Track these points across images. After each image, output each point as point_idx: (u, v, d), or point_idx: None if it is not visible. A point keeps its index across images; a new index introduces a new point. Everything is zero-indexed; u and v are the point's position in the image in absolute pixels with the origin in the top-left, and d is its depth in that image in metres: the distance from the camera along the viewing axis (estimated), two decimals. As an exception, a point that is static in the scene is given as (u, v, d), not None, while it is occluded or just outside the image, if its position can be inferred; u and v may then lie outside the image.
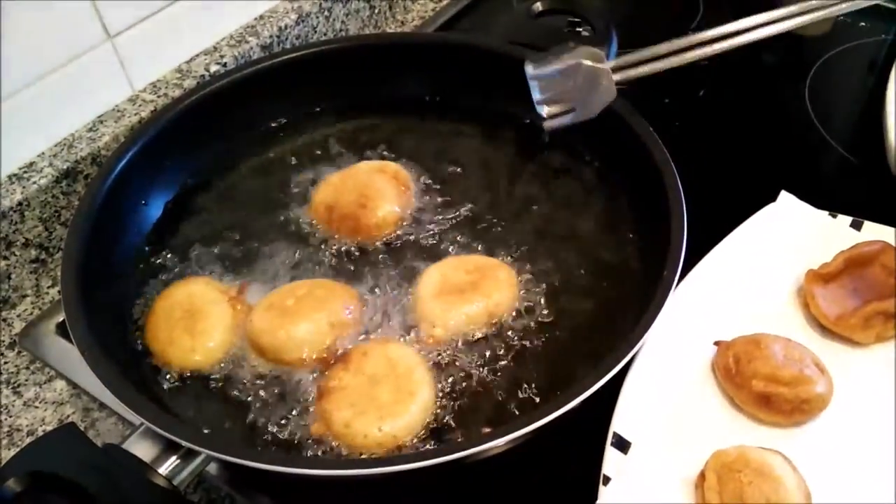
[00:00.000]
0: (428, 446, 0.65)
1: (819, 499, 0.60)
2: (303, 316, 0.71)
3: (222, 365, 0.71)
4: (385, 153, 0.90)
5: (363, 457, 0.65)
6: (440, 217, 0.83)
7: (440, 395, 0.68)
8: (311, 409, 0.68)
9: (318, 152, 0.91)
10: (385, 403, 0.66)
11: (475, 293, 0.73)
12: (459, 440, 0.65)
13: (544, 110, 0.84)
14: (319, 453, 0.65)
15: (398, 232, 0.81)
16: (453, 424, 0.67)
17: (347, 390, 0.67)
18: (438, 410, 0.68)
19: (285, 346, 0.70)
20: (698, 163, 0.80)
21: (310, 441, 0.66)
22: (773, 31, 0.77)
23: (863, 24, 1.11)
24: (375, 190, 0.81)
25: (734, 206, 0.81)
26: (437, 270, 0.76)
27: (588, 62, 0.79)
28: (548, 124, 0.84)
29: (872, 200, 0.84)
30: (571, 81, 0.80)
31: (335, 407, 0.66)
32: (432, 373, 0.69)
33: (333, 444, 0.66)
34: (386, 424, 0.65)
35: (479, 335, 0.73)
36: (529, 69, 0.83)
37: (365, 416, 0.65)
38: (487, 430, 0.65)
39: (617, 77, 0.79)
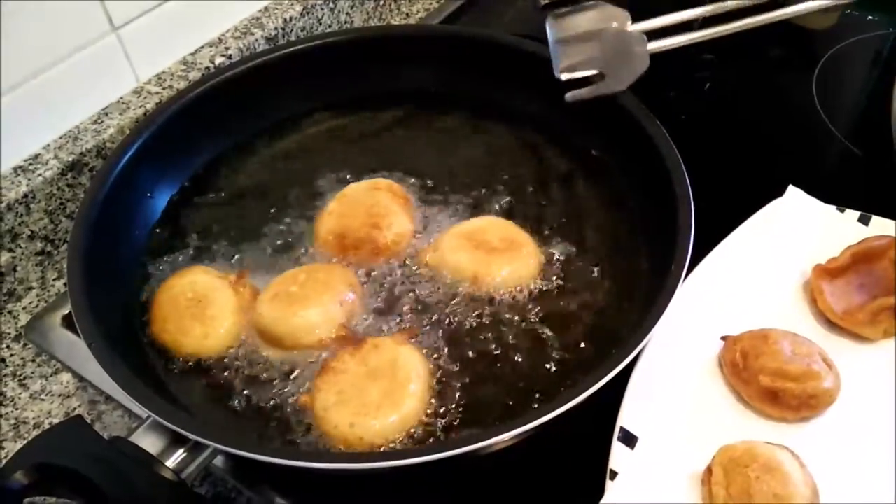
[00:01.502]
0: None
1: (826, 494, 0.60)
2: (312, 300, 0.72)
3: (232, 349, 0.72)
4: (385, 153, 0.89)
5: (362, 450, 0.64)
6: (442, 218, 0.82)
7: (433, 405, 0.67)
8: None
9: (323, 144, 0.91)
10: (369, 402, 0.65)
11: (483, 257, 0.74)
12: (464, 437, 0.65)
13: (564, 76, 0.76)
14: (294, 436, 0.66)
15: (411, 245, 0.79)
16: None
17: (344, 375, 0.67)
18: (425, 422, 0.66)
19: (301, 330, 0.71)
20: (705, 157, 0.80)
21: (297, 422, 0.67)
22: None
23: (871, 17, 1.10)
24: (383, 207, 0.79)
25: (741, 200, 0.80)
26: (483, 220, 0.79)
27: (618, 26, 0.72)
28: (571, 95, 0.78)
29: (879, 194, 0.84)
30: (599, 47, 0.74)
31: (325, 387, 0.66)
32: (433, 385, 0.68)
33: (312, 424, 0.66)
34: (358, 424, 0.64)
35: (472, 318, 0.73)
36: (552, 31, 0.74)
37: (345, 407, 0.65)
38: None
39: (652, 46, 0.74)
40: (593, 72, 0.75)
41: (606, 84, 0.76)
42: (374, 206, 0.80)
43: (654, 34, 0.74)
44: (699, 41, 0.74)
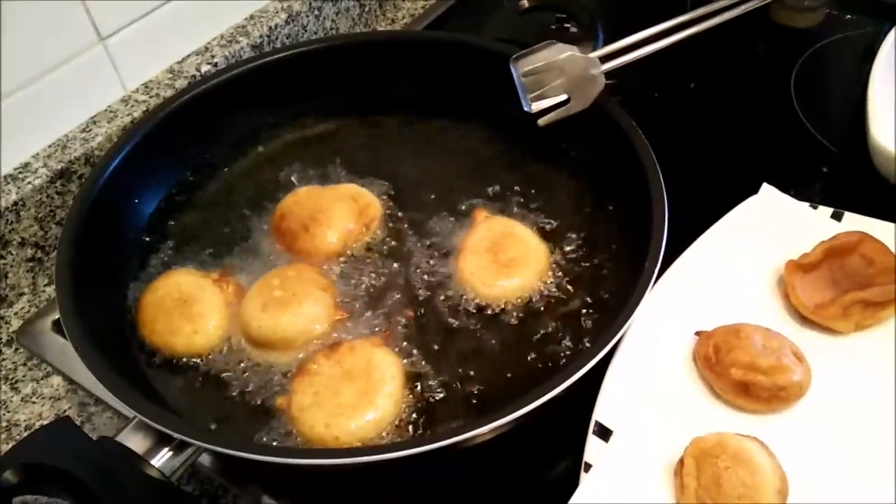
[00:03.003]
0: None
1: (795, 484, 0.61)
2: (301, 295, 0.73)
3: (219, 350, 0.73)
4: (371, 158, 0.90)
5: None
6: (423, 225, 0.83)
7: (407, 405, 0.69)
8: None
9: (310, 150, 0.92)
10: (344, 403, 0.66)
11: (485, 256, 0.76)
12: (441, 431, 0.66)
13: (534, 106, 0.83)
14: (278, 434, 0.67)
15: (341, 261, 0.80)
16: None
17: (319, 377, 0.68)
18: (400, 421, 0.68)
19: (307, 326, 0.72)
20: (686, 155, 0.81)
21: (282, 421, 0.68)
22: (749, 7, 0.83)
23: (849, 16, 1.12)
24: (327, 216, 0.80)
25: (719, 198, 0.81)
26: (520, 230, 0.79)
27: (574, 53, 0.80)
28: (542, 121, 0.84)
29: (854, 192, 0.85)
30: (560, 75, 0.81)
31: (301, 389, 0.68)
32: (406, 387, 0.69)
33: (289, 426, 0.67)
34: (334, 424, 0.65)
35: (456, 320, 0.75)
36: (516, 68, 0.83)
37: (320, 408, 0.66)
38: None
39: (605, 67, 0.80)
40: (560, 98, 0.83)
41: (571, 105, 0.83)
42: (325, 210, 0.81)
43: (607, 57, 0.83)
44: (650, 53, 0.82)
